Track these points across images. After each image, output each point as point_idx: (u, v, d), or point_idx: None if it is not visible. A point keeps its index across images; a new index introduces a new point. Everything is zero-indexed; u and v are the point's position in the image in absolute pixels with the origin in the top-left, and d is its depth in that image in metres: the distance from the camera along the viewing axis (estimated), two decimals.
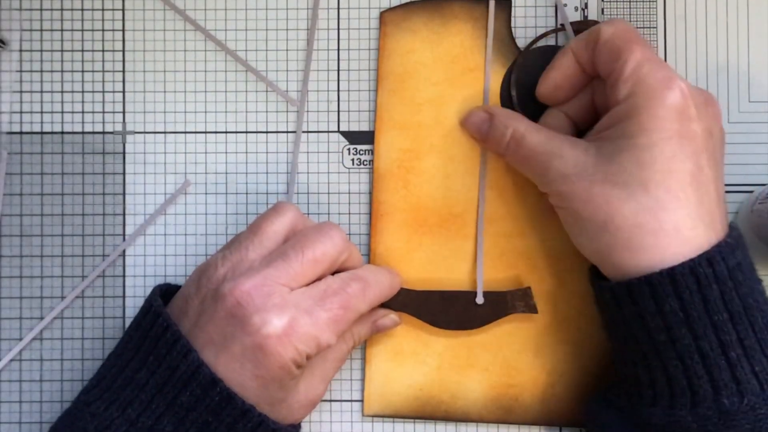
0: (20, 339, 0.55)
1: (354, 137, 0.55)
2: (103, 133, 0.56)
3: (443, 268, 0.54)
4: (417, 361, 0.54)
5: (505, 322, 0.54)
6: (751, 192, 0.54)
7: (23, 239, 0.55)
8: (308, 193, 0.55)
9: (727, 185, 0.55)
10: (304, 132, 0.55)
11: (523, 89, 0.55)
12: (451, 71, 0.55)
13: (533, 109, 0.54)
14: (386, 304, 0.53)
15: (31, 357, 0.55)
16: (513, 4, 0.55)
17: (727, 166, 0.55)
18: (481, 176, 0.54)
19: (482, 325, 0.54)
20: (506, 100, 0.55)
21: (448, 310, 0.54)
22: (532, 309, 0.53)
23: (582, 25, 0.55)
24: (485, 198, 0.54)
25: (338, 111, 0.55)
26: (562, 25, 0.55)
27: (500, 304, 0.54)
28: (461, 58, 0.55)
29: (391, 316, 0.53)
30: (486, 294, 0.54)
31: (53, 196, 0.55)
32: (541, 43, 0.55)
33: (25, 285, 0.55)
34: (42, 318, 0.55)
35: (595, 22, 0.55)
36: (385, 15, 0.55)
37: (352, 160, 0.55)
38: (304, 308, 0.46)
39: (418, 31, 0.55)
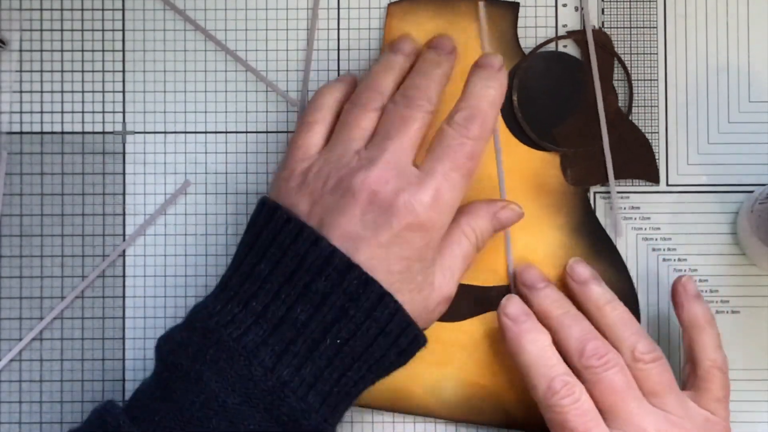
0: (20, 339, 0.55)
1: None
2: (103, 133, 0.56)
3: None
4: None
5: (484, 323, 0.54)
6: (751, 192, 0.54)
7: (23, 239, 0.55)
8: None
9: (727, 185, 0.55)
10: None
11: (524, 93, 0.55)
12: (454, 69, 0.54)
13: (533, 113, 0.54)
14: None
15: (31, 357, 0.55)
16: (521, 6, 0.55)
17: (727, 166, 0.55)
18: (500, 178, 0.54)
19: (463, 318, 0.54)
20: (506, 103, 0.55)
21: None
22: None
23: (591, 35, 0.55)
24: (477, 199, 0.54)
25: None
26: (567, 32, 0.55)
27: (483, 300, 0.54)
28: (464, 57, 0.54)
29: (512, 206, 0.52)
30: (469, 288, 0.54)
31: (53, 196, 0.55)
32: (547, 48, 0.55)
33: (25, 285, 0.55)
34: (42, 318, 0.55)
35: (602, 32, 0.55)
36: (391, 8, 0.55)
37: None
38: (440, 174, 0.47)
39: (424, 25, 0.55)
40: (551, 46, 0.55)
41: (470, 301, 0.54)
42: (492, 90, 0.49)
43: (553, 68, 0.55)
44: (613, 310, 0.51)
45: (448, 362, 0.54)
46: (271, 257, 0.46)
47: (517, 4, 0.55)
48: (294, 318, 0.45)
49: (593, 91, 0.54)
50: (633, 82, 0.55)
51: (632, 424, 0.49)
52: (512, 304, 0.51)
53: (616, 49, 0.55)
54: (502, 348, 0.53)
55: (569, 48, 0.55)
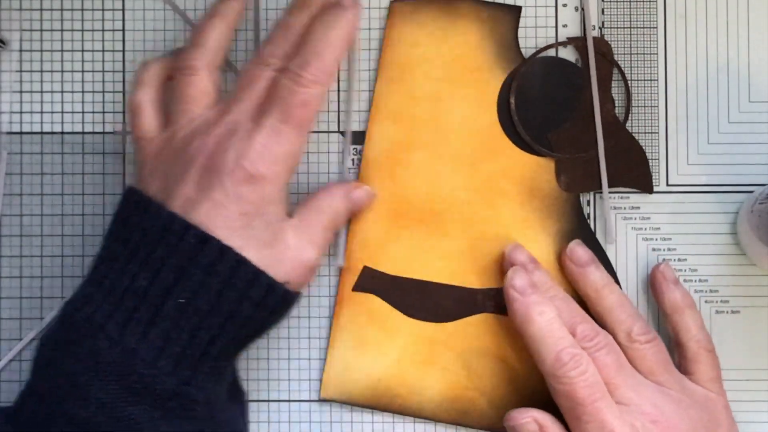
0: (20, 339, 0.55)
1: (355, 137, 0.55)
2: (103, 133, 0.56)
3: (417, 263, 0.54)
4: (378, 352, 0.54)
5: (471, 324, 0.54)
6: (751, 192, 0.54)
7: (23, 239, 0.55)
8: (308, 193, 0.55)
9: (727, 185, 0.55)
10: None
11: (522, 97, 0.55)
12: (453, 69, 0.55)
13: (529, 117, 0.54)
14: (358, 286, 0.54)
15: (31, 357, 0.55)
16: (522, 13, 0.55)
17: (727, 166, 0.55)
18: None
19: (450, 319, 0.54)
20: (504, 107, 0.55)
21: (420, 300, 0.54)
22: (501, 310, 0.53)
23: (592, 42, 0.55)
24: (469, 200, 0.54)
25: (338, 111, 0.55)
26: (568, 38, 0.55)
27: (470, 302, 0.54)
28: (464, 58, 0.55)
29: (365, 188, 0.53)
30: (457, 289, 0.54)
31: (53, 196, 0.55)
32: (547, 53, 0.55)
33: (25, 285, 0.55)
34: (42, 318, 0.55)
35: (602, 40, 0.55)
36: (394, 6, 0.55)
37: (353, 160, 0.55)
38: (268, 127, 0.47)
39: (425, 25, 0.55)
40: (551, 51, 0.55)
41: (457, 302, 0.54)
42: (334, 31, 0.49)
43: (552, 74, 0.55)
44: (611, 293, 0.52)
45: (433, 363, 0.54)
46: (121, 237, 0.47)
47: (519, 8, 0.55)
48: (136, 287, 0.45)
49: (591, 98, 0.54)
50: (633, 82, 0.55)
51: (629, 398, 0.49)
52: (519, 277, 0.52)
53: (616, 51, 0.55)
54: (488, 350, 0.54)
55: (568, 53, 0.55)
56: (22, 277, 0.55)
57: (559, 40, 0.55)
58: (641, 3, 0.55)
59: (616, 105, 0.55)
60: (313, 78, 0.48)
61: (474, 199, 0.54)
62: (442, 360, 0.54)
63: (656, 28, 0.55)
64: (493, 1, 0.55)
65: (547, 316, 0.50)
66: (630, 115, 0.55)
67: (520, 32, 0.55)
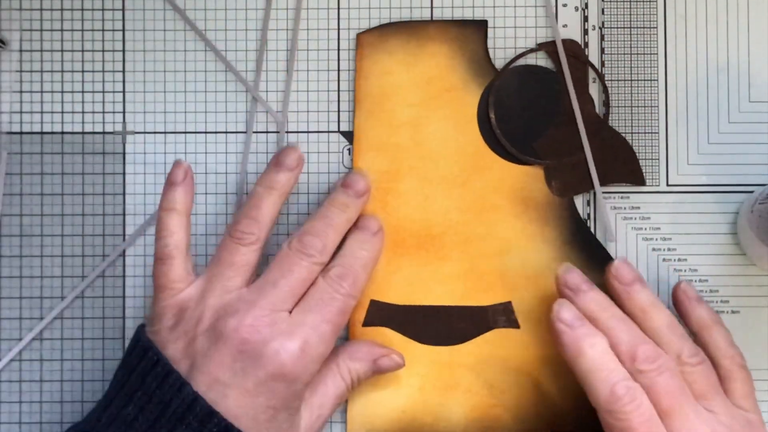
0: (20, 339, 0.55)
1: (352, 136, 0.55)
2: (103, 133, 0.56)
3: (423, 289, 0.54)
4: (399, 384, 0.54)
5: (486, 342, 0.54)
6: (751, 192, 0.54)
7: (23, 239, 0.55)
8: (308, 193, 0.55)
9: (727, 185, 0.55)
10: (304, 132, 0.55)
11: (501, 110, 0.55)
12: (428, 92, 0.54)
13: (512, 129, 0.54)
14: (368, 321, 0.54)
15: (31, 357, 0.55)
16: (491, 25, 0.55)
17: (727, 166, 0.55)
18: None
19: (464, 340, 0.54)
20: (484, 122, 0.55)
21: (430, 325, 0.54)
22: (513, 324, 0.53)
23: (561, 45, 0.55)
24: (465, 220, 0.54)
25: (338, 111, 0.55)
26: (538, 44, 0.55)
27: (481, 320, 0.54)
28: (438, 80, 0.55)
29: (394, 357, 0.52)
30: (466, 309, 0.54)
31: (53, 196, 0.55)
32: (520, 62, 0.55)
33: (25, 285, 0.55)
34: (42, 318, 0.55)
35: (573, 41, 0.55)
36: (361, 37, 0.55)
37: (353, 160, 0.55)
38: (310, 326, 0.48)
39: (395, 52, 0.55)
40: (530, 59, 0.55)
41: (468, 322, 0.54)
42: (365, 252, 0.51)
43: (528, 82, 0.55)
44: (660, 313, 0.51)
45: (454, 386, 0.54)
46: (138, 401, 0.46)
47: (485, 22, 0.55)
48: None
49: (569, 101, 0.54)
50: (633, 82, 0.55)
51: (688, 429, 0.48)
52: (566, 310, 0.50)
53: (616, 51, 0.55)
54: (506, 365, 0.54)
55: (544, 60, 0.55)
56: (22, 277, 0.55)
57: (538, 61, 0.55)
58: (641, 3, 0.55)
59: (597, 103, 0.55)
60: (349, 291, 0.49)
61: (469, 218, 0.54)
62: (463, 382, 0.54)
63: (656, 28, 0.55)
64: (460, 19, 0.55)
65: (599, 348, 0.49)
66: (610, 111, 0.55)
67: (521, 32, 0.55)
